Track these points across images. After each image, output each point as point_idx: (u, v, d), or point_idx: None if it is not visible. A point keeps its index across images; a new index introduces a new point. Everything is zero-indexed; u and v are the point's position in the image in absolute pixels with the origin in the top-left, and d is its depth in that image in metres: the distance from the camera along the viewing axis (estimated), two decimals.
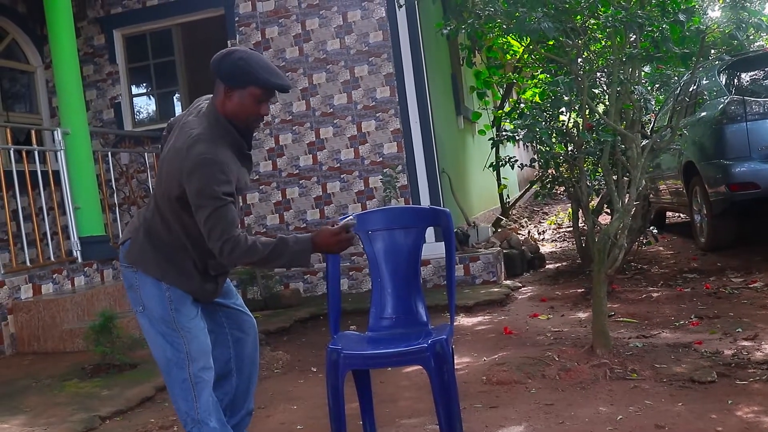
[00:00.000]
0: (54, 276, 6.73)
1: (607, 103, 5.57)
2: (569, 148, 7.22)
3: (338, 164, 8.38)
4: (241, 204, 3.19)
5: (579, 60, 5.23)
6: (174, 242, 3.07)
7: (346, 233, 3.04)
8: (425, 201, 8.03)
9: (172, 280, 3.07)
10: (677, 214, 11.17)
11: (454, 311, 3.64)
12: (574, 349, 4.82)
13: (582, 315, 6.04)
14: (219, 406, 3.20)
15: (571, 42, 5.07)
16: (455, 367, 3.74)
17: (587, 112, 5.69)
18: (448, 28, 5.35)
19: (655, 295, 6.51)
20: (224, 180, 2.91)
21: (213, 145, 2.94)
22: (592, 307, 5.07)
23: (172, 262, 3.08)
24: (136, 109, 9.40)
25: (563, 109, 6.48)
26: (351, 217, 3.15)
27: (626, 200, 4.92)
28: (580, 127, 6.21)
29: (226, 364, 3.37)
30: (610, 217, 6.77)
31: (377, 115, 8.26)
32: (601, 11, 4.97)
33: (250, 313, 3.47)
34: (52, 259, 6.94)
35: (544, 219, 14.11)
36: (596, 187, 7.67)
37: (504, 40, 9.62)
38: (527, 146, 16.02)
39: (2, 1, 8.73)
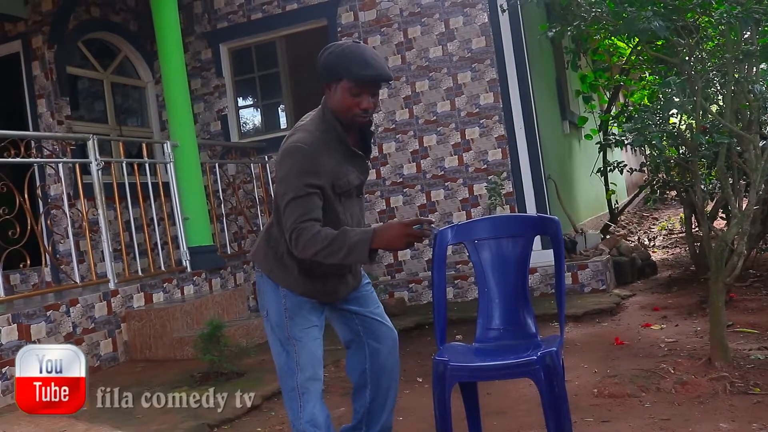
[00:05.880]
0: (164, 285, 6.90)
1: (722, 103, 5.35)
2: (681, 151, 6.99)
3: (442, 172, 8.33)
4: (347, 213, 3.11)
5: (690, 59, 5.03)
6: (285, 242, 3.01)
7: (418, 230, 2.83)
8: (531, 208, 7.89)
9: (277, 276, 3.06)
10: None
11: (564, 322, 3.53)
12: (690, 361, 4.63)
13: (698, 325, 5.80)
14: (330, 421, 3.13)
15: (682, 41, 4.89)
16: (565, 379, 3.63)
17: (701, 114, 5.48)
18: (553, 31, 5.24)
19: None
20: (311, 170, 2.85)
21: (309, 135, 2.91)
22: (709, 317, 4.86)
23: (280, 260, 3.05)
24: (242, 121, 9.58)
25: (674, 111, 6.26)
26: (434, 228, 2.96)
27: (744, 205, 4.70)
28: (694, 130, 5.99)
29: (362, 375, 3.28)
30: (725, 222, 6.51)
31: (481, 121, 8.17)
32: (714, 8, 4.76)
33: (389, 324, 3.31)
34: (163, 268, 7.13)
35: (653, 225, 13.70)
36: (711, 191, 7.39)
37: (610, 41, 9.41)
38: (635, 150, 15.64)
39: (116, 20, 9.06)
